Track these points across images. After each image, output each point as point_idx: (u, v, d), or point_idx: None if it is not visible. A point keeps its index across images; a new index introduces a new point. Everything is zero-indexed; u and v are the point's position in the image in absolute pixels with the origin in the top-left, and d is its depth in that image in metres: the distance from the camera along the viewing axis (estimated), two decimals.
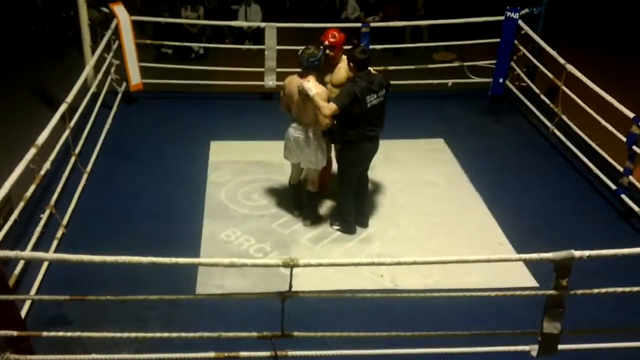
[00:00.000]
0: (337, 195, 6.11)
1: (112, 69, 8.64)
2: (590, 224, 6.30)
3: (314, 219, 6.14)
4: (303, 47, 5.56)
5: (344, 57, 5.83)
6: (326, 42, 5.73)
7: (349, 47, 6.01)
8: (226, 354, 3.91)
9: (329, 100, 5.49)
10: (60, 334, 3.94)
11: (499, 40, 8.76)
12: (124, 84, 8.69)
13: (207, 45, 12.07)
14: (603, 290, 3.75)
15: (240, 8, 13.29)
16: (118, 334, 3.97)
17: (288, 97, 5.67)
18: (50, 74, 10.40)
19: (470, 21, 9.77)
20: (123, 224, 6.08)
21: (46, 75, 10.48)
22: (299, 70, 5.61)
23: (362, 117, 5.53)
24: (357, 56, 5.48)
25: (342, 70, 5.82)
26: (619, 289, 3.75)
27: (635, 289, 3.79)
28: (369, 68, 5.59)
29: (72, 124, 6.42)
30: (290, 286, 3.64)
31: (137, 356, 4.22)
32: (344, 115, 5.50)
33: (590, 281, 3.85)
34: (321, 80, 5.78)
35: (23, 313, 4.61)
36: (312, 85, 5.44)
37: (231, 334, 3.86)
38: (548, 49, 7.97)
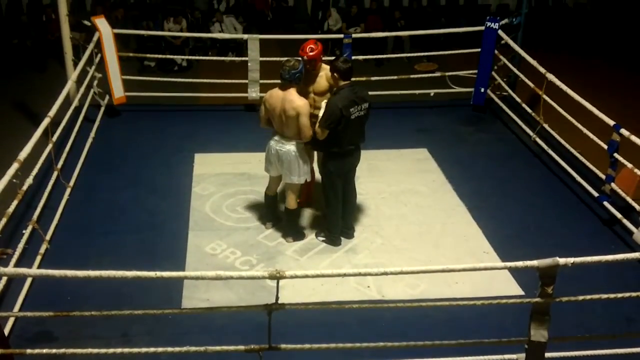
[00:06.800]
0: (325, 207, 6.10)
1: (95, 83, 8.59)
2: (574, 232, 6.35)
3: (295, 236, 6.13)
4: (285, 60, 5.58)
5: (324, 65, 5.89)
6: (305, 57, 5.68)
7: (332, 57, 6.05)
8: None
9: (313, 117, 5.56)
10: (45, 351, 3.90)
11: (479, 50, 8.85)
12: (107, 98, 8.65)
13: (190, 57, 12.08)
14: (588, 297, 3.78)
15: (212, 26, 13.29)
16: (103, 350, 3.92)
17: (269, 111, 5.63)
18: (32, 88, 10.35)
19: (451, 31, 9.88)
20: (107, 238, 6.04)
21: (28, 89, 10.42)
22: (282, 83, 5.59)
23: (345, 131, 5.55)
24: (339, 67, 5.50)
25: (324, 78, 5.88)
26: (604, 296, 3.79)
27: (620, 295, 3.83)
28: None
29: (54, 138, 6.37)
30: (277, 298, 3.63)
31: None
32: (329, 129, 5.53)
33: (576, 288, 3.89)
34: (304, 91, 5.81)
35: (6, 330, 4.55)
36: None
37: (218, 348, 3.84)
38: (528, 58, 8.06)
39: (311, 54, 5.70)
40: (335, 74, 5.54)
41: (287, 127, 5.59)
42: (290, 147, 5.67)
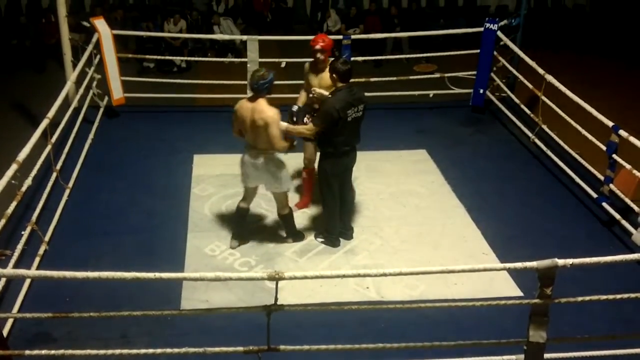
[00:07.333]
0: (323, 209, 6.10)
1: (94, 84, 8.59)
2: (573, 233, 6.35)
3: (294, 237, 6.10)
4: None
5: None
6: (317, 47, 5.90)
7: (331, 58, 6.07)
8: None
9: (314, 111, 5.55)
10: (44, 352, 3.90)
11: (478, 51, 8.85)
12: (106, 99, 8.65)
13: (189, 58, 12.08)
14: (587, 298, 3.78)
15: (214, 27, 13.37)
16: (102, 351, 3.92)
17: (240, 121, 5.47)
18: (31, 89, 10.33)
19: (450, 33, 9.88)
20: (106, 239, 6.03)
21: (27, 90, 10.40)
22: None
23: (341, 132, 5.54)
24: (339, 68, 5.50)
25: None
26: (603, 297, 3.79)
27: (619, 296, 3.83)
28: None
29: (53, 139, 6.36)
30: (276, 299, 3.63)
31: None
32: (324, 129, 5.54)
33: (575, 289, 3.89)
34: (309, 85, 5.90)
35: (5, 332, 4.54)
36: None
37: (217, 349, 3.84)
38: (527, 59, 8.06)
39: (323, 44, 5.91)
40: (334, 75, 5.54)
41: (259, 138, 5.43)
42: (265, 159, 5.53)
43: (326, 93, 5.69)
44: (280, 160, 5.63)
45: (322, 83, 5.98)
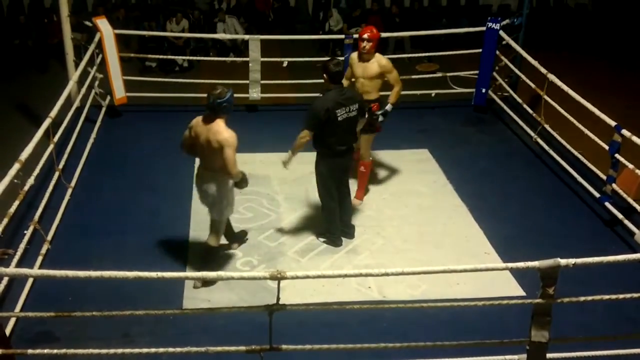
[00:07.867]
0: (321, 209, 6.09)
1: (96, 83, 8.60)
2: (576, 232, 6.34)
3: (204, 281, 5.33)
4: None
5: (377, 54, 6.21)
6: (365, 36, 6.12)
7: (327, 58, 6.07)
8: None
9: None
10: (46, 351, 3.91)
11: (480, 50, 8.85)
12: (108, 98, 8.66)
13: (191, 58, 12.10)
14: (590, 297, 3.78)
15: (218, 24, 13.39)
16: (104, 350, 3.92)
17: (194, 137, 5.17)
18: (33, 89, 10.36)
19: (452, 32, 9.87)
20: (108, 238, 6.03)
21: (29, 89, 10.44)
22: (206, 113, 5.09)
23: (332, 132, 5.52)
24: (330, 68, 5.45)
25: (375, 65, 6.18)
26: (605, 296, 3.78)
27: (621, 296, 3.82)
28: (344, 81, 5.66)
29: (56, 138, 6.37)
30: (278, 299, 3.63)
31: None
32: (313, 129, 5.53)
33: (577, 289, 3.88)
34: (352, 74, 6.05)
35: (8, 331, 4.55)
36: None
37: (219, 349, 3.84)
38: (529, 59, 8.05)
39: (370, 33, 6.12)
40: (325, 75, 5.51)
41: (212, 160, 5.10)
42: (213, 182, 5.20)
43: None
44: (227, 187, 5.24)
45: (366, 73, 6.18)
